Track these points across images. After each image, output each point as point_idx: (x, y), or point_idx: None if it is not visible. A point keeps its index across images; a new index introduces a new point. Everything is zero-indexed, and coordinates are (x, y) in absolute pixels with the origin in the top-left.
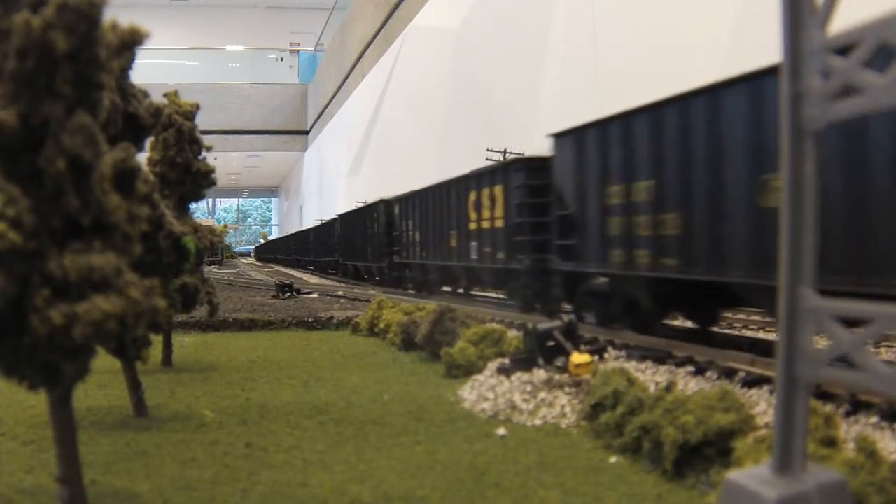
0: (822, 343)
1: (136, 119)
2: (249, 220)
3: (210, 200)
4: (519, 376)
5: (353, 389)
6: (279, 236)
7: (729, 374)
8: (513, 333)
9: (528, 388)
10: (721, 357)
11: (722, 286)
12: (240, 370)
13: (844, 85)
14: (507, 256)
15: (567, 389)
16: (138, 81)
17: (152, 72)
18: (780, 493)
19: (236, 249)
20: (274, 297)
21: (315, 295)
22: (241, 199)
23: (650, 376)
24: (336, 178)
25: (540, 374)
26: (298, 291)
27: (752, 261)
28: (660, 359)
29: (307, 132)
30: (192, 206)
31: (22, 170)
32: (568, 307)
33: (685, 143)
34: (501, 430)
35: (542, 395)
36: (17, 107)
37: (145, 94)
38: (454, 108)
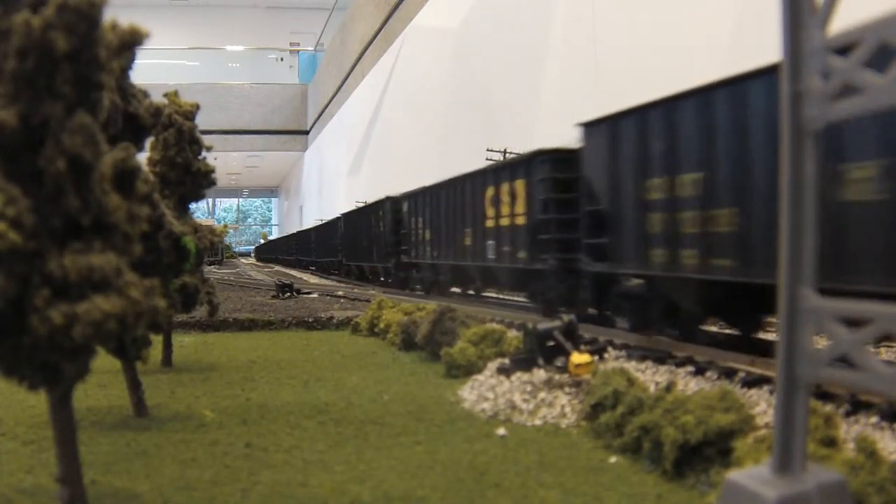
0: (821, 343)
1: (136, 119)
2: (249, 220)
3: (210, 200)
4: (519, 376)
5: (353, 389)
6: (279, 236)
7: (729, 374)
8: (513, 333)
9: (528, 388)
10: (721, 357)
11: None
12: (240, 370)
13: (844, 85)
14: (529, 256)
15: (567, 389)
16: (138, 81)
17: (152, 72)
18: (780, 493)
19: (236, 249)
20: (274, 297)
21: (315, 295)
22: (241, 199)
23: (650, 376)
24: (336, 178)
25: (540, 374)
26: (298, 291)
27: (823, 262)
28: (660, 359)
29: (307, 132)
30: (192, 206)
31: (22, 170)
32: (598, 310)
33: (741, 131)
34: (501, 430)
35: (542, 395)
36: (17, 107)
37: (145, 94)
38: (454, 108)
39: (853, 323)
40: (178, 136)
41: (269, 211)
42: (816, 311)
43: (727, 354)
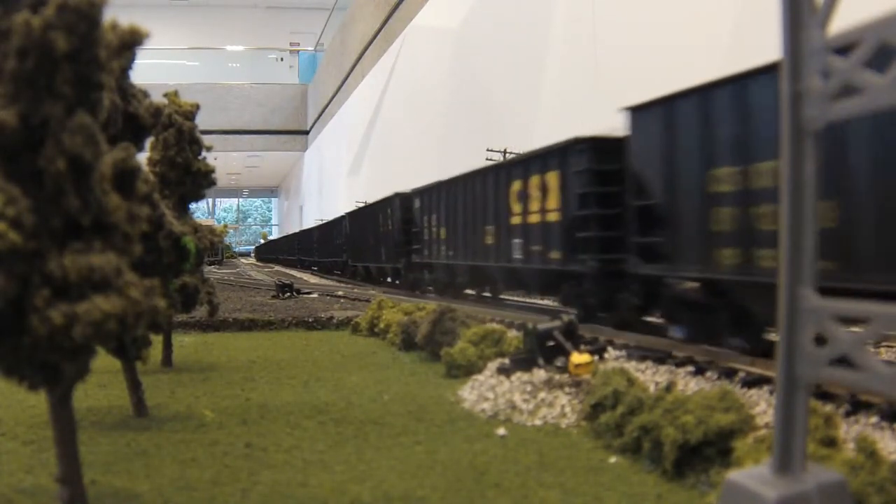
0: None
1: (136, 119)
2: (249, 220)
3: (210, 200)
4: (519, 376)
5: (353, 389)
6: (280, 236)
7: (729, 374)
8: (513, 333)
9: (528, 388)
10: (721, 357)
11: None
12: (240, 370)
13: (844, 85)
14: (563, 256)
15: (567, 389)
16: (138, 81)
17: (152, 72)
18: (780, 493)
19: (236, 249)
20: (274, 297)
21: (315, 295)
22: (241, 199)
23: (650, 376)
24: (336, 178)
25: (540, 374)
26: (298, 291)
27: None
28: (660, 359)
29: (307, 132)
30: (192, 206)
31: (22, 170)
32: (649, 318)
33: None
34: (501, 430)
35: (542, 395)
36: (17, 107)
37: (145, 94)
38: (454, 108)
39: (853, 323)
40: (178, 136)
41: (269, 211)
42: (816, 311)
43: (727, 354)
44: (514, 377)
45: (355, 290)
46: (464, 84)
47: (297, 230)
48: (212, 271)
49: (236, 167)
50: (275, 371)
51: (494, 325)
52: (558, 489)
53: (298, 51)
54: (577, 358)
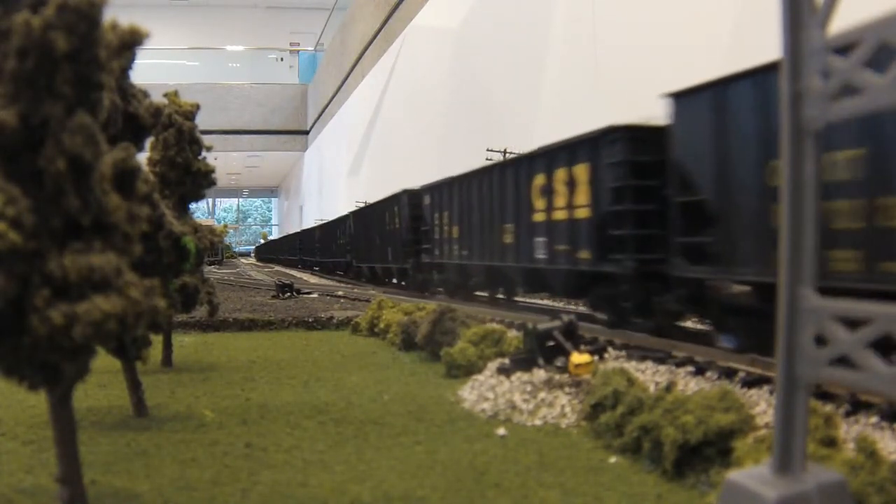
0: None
1: (136, 119)
2: (249, 220)
3: (210, 200)
4: (519, 376)
5: (353, 389)
6: (281, 236)
7: (729, 374)
8: (513, 333)
9: (528, 388)
10: (721, 357)
11: None
12: (240, 370)
13: (844, 85)
14: (594, 256)
15: (567, 389)
16: (138, 81)
17: (152, 72)
18: (780, 493)
19: (236, 249)
20: (274, 297)
21: (315, 295)
22: (241, 199)
23: (650, 376)
24: (336, 178)
25: (540, 374)
26: (298, 291)
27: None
28: (660, 359)
29: (307, 132)
30: (192, 206)
31: (22, 170)
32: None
33: None
34: (501, 430)
35: (542, 395)
36: (17, 107)
37: (145, 94)
38: (454, 108)
39: (853, 323)
40: (178, 136)
41: (269, 211)
42: (816, 311)
43: (727, 354)
44: (514, 377)
45: (355, 290)
46: (464, 84)
47: (297, 230)
48: (212, 271)
49: (236, 167)
50: (275, 371)
51: (494, 325)
52: (558, 489)
53: (298, 51)
54: (577, 358)
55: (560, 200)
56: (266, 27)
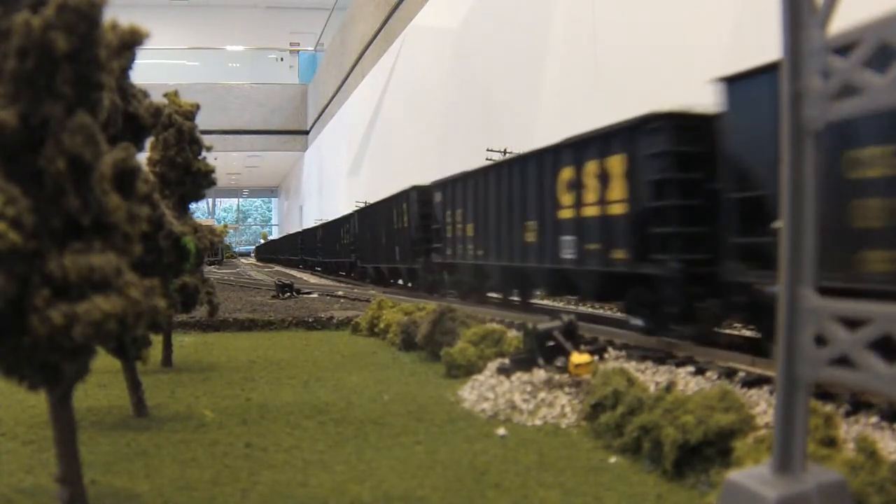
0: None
1: (136, 119)
2: (249, 220)
3: (210, 200)
4: (519, 376)
5: (353, 389)
6: (282, 236)
7: (729, 374)
8: (513, 333)
9: (528, 388)
10: (721, 357)
11: None
12: (240, 370)
13: (844, 85)
14: (632, 256)
15: (567, 389)
16: (138, 81)
17: (152, 72)
18: (780, 493)
19: (236, 249)
20: (274, 297)
21: (315, 295)
22: (241, 199)
23: (650, 376)
24: (336, 178)
25: (540, 374)
26: (298, 291)
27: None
28: (660, 359)
29: (307, 132)
30: (192, 206)
31: (22, 170)
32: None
33: None
34: (501, 430)
35: (542, 395)
36: (17, 107)
37: (145, 94)
38: (454, 108)
39: (853, 323)
40: (178, 136)
41: (269, 211)
42: (816, 311)
43: (727, 354)
44: (514, 377)
45: (355, 290)
46: (464, 84)
47: (297, 230)
48: (212, 271)
49: (236, 167)
50: (275, 371)
51: (494, 325)
52: (558, 489)
53: (298, 51)
54: (577, 358)
55: (591, 195)
56: (266, 27)
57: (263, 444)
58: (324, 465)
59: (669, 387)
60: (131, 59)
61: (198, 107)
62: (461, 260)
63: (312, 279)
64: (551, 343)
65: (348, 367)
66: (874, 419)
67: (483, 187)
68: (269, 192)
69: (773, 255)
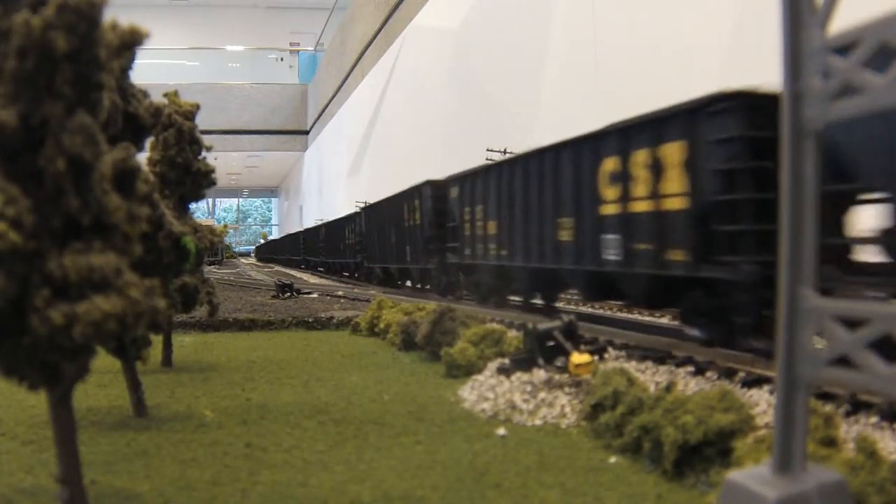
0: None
1: (136, 119)
2: (249, 220)
3: (210, 200)
4: (519, 376)
5: (353, 389)
6: (282, 235)
7: (729, 374)
8: (513, 333)
9: (528, 388)
10: (721, 357)
11: None
12: (240, 370)
13: (844, 85)
14: (693, 257)
15: (567, 389)
16: (138, 81)
17: (152, 72)
18: (780, 493)
19: (236, 249)
20: (274, 297)
21: (315, 295)
22: (241, 199)
23: (650, 376)
24: (336, 178)
25: (540, 374)
26: (298, 291)
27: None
28: (660, 359)
29: (307, 132)
30: (192, 206)
31: (22, 170)
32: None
33: None
34: (501, 430)
35: (542, 395)
36: (17, 107)
37: (145, 94)
38: (454, 108)
39: (853, 323)
40: (178, 136)
41: (269, 211)
42: (816, 311)
43: (727, 354)
44: (514, 377)
45: (355, 290)
46: (464, 84)
47: (297, 230)
48: (212, 271)
49: (236, 167)
50: (275, 371)
51: (494, 325)
52: (558, 489)
53: (298, 51)
54: (577, 358)
55: (640, 188)
56: (266, 27)
57: (263, 444)
58: (324, 465)
59: (669, 387)
60: (131, 59)
61: (198, 107)
62: (481, 261)
63: (312, 279)
64: (551, 343)
65: (348, 367)
66: (874, 419)
67: (507, 181)
68: (269, 192)
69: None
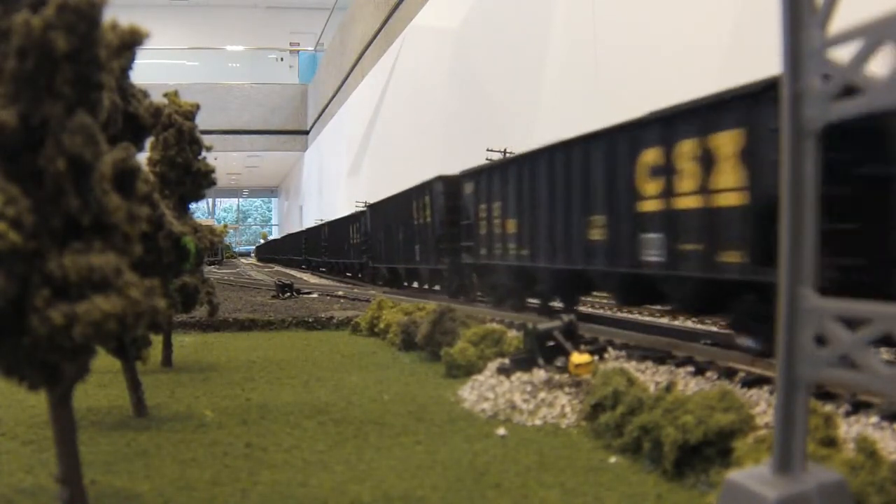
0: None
1: (136, 119)
2: (249, 220)
3: (210, 200)
4: (519, 376)
5: (353, 389)
6: (284, 235)
7: (729, 374)
8: (513, 333)
9: (528, 388)
10: (721, 357)
11: None
12: (240, 370)
13: (844, 85)
14: (751, 259)
15: (567, 389)
16: (138, 81)
17: (152, 72)
18: (780, 493)
19: (236, 249)
20: (274, 297)
21: (315, 295)
22: (241, 199)
23: (650, 376)
24: (336, 178)
25: (540, 374)
26: (298, 291)
27: None
28: (660, 359)
29: (307, 132)
30: (192, 206)
31: (22, 170)
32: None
33: None
34: (501, 430)
35: (542, 395)
36: (17, 107)
37: (145, 94)
38: (454, 109)
39: (853, 323)
40: (178, 136)
41: (269, 211)
42: (816, 311)
43: (727, 354)
44: (514, 377)
45: (355, 290)
46: (464, 84)
47: (297, 230)
48: (212, 271)
49: (236, 167)
50: (275, 371)
51: (494, 325)
52: (558, 489)
53: (298, 51)
54: (577, 358)
55: (687, 183)
56: (266, 27)
57: (263, 444)
58: (324, 465)
59: (669, 387)
60: (131, 59)
61: (198, 107)
62: (499, 261)
63: (313, 279)
64: (551, 343)
65: (348, 367)
66: (874, 419)
67: (529, 176)
68: (269, 192)
69: None
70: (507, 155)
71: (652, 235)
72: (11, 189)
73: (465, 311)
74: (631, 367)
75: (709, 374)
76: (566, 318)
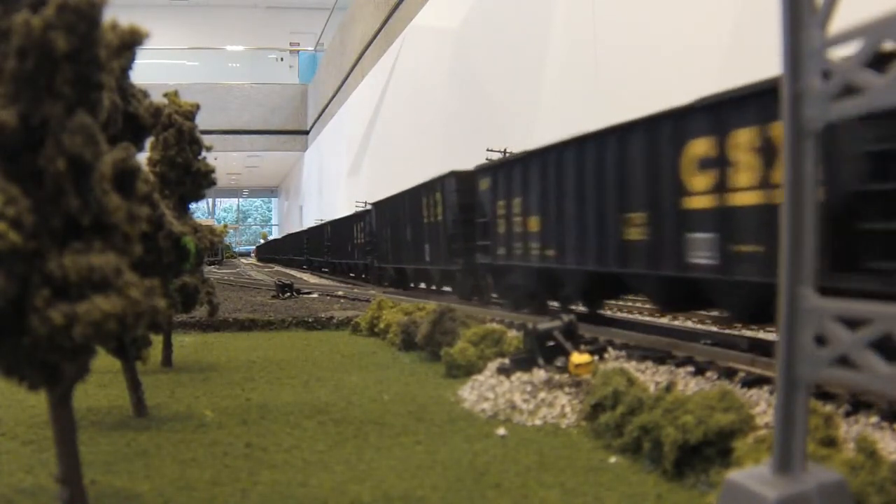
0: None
1: (136, 119)
2: (249, 220)
3: (210, 200)
4: (519, 376)
5: (353, 389)
6: (284, 235)
7: (729, 374)
8: (513, 333)
9: (528, 388)
10: (721, 357)
11: None
12: (240, 370)
13: (844, 85)
14: (826, 263)
15: (567, 389)
16: (138, 81)
17: (152, 72)
18: (780, 493)
19: (236, 249)
20: (274, 297)
21: (315, 295)
22: (241, 199)
23: (650, 376)
24: (336, 178)
25: (540, 374)
26: (298, 291)
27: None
28: (660, 359)
29: (307, 132)
30: (192, 206)
31: (22, 170)
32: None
33: None
34: (501, 430)
35: (542, 395)
36: (17, 107)
37: (145, 94)
38: (454, 109)
39: (853, 323)
40: (178, 136)
41: (269, 211)
42: (816, 311)
43: (727, 354)
44: (514, 377)
45: (355, 290)
46: (464, 84)
47: (297, 230)
48: (212, 271)
49: (236, 167)
50: (275, 371)
51: (494, 325)
52: (558, 489)
53: (298, 51)
54: (577, 358)
55: (743, 176)
56: (266, 27)
57: (263, 444)
58: (324, 465)
59: (669, 387)
60: (131, 59)
61: (198, 107)
62: (520, 262)
63: (312, 279)
64: (551, 343)
65: (348, 367)
66: (874, 419)
67: (555, 170)
68: (269, 192)
69: None
70: (507, 155)
71: (701, 235)
72: (11, 189)
73: (465, 311)
74: (631, 367)
75: (709, 374)
76: (566, 318)
